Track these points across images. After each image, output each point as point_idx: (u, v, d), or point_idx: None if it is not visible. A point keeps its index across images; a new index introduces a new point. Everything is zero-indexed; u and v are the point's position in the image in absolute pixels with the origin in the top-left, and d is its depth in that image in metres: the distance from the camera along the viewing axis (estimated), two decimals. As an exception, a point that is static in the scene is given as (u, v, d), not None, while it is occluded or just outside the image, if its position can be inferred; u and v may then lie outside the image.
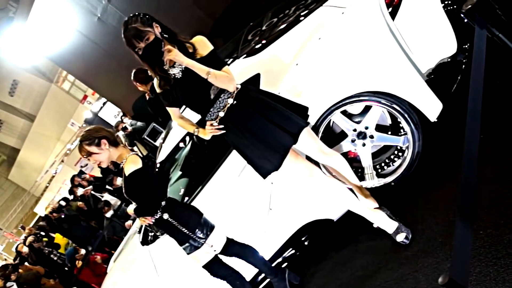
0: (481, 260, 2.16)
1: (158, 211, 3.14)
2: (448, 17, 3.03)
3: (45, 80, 25.03)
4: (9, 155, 29.69)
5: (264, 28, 3.90)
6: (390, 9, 2.98)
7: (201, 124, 2.98)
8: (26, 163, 28.59)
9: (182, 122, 3.06)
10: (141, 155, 3.22)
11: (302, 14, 3.36)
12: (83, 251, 7.78)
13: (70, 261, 8.32)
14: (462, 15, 2.88)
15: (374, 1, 2.97)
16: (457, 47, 3.05)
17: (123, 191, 3.18)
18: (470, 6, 2.20)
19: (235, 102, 2.79)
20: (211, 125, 2.83)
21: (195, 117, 3.13)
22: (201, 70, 2.71)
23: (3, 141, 28.67)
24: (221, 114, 2.80)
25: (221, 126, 2.81)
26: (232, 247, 3.34)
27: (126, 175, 3.06)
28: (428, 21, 3.05)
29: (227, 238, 3.35)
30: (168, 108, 3.01)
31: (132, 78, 5.29)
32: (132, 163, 3.06)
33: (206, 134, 2.88)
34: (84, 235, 8.52)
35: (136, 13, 2.75)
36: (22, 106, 26.23)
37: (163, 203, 3.17)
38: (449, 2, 3.15)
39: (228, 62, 3.62)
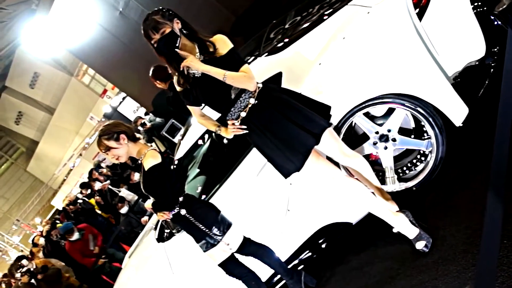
0: (504, 270, 2.12)
1: (176, 206, 3.16)
2: (478, 19, 2.98)
3: (65, 73, 25.38)
4: (28, 147, 30.25)
5: (287, 26, 3.89)
6: (417, 10, 2.95)
7: (221, 122, 2.98)
8: (45, 155, 29.04)
9: (203, 121, 3.08)
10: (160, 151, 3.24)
11: (326, 13, 3.34)
12: (75, 236, 7.78)
13: (62, 237, 8.30)
14: (492, 17, 2.84)
15: (401, 1, 2.94)
16: (486, 50, 3.00)
17: (141, 186, 3.21)
18: (503, 7, 2.16)
19: (256, 102, 2.78)
20: (233, 124, 2.83)
21: (215, 115, 3.14)
22: (217, 74, 2.72)
23: (23, 133, 29.18)
24: (243, 114, 2.80)
25: (244, 126, 2.82)
26: (249, 246, 3.35)
27: (146, 169, 3.09)
28: (457, 23, 3.00)
29: (244, 237, 3.35)
30: (189, 107, 3.03)
31: (150, 75, 5.32)
32: (151, 158, 3.09)
33: (229, 133, 2.88)
34: (99, 229, 8.59)
35: (161, 7, 2.79)
36: (42, 99, 26.64)
37: (181, 199, 3.20)
38: (479, 3, 3.10)
39: (250, 60, 3.62)
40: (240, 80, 2.74)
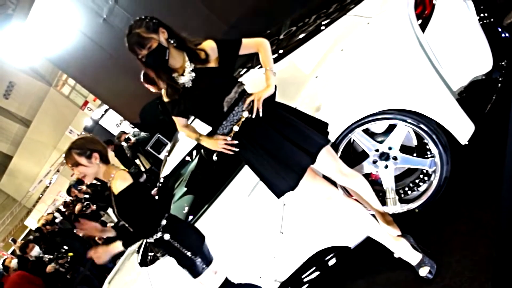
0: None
1: (158, 230, 3.10)
2: (484, 31, 3.02)
3: (43, 83, 25.26)
4: (0, 162, 29.91)
5: (282, 37, 3.91)
6: (420, 21, 2.97)
7: (212, 136, 2.97)
8: (19, 171, 28.77)
9: (187, 131, 3.08)
10: (135, 170, 3.18)
11: (323, 23, 3.36)
12: None
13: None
14: (500, 29, 2.87)
15: (403, 12, 2.97)
16: (493, 64, 3.03)
17: (115, 211, 3.13)
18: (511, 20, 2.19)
19: (250, 115, 2.79)
20: (225, 140, 2.83)
21: (206, 128, 3.13)
22: (273, 78, 2.84)
23: (-5, 147, 28.92)
24: (236, 128, 2.81)
25: (235, 142, 2.82)
26: None
27: (116, 193, 3.00)
28: (462, 35, 3.03)
29: (226, 279, 3.26)
30: (174, 117, 3.03)
31: (142, 79, 5.33)
32: (120, 179, 3.01)
33: (214, 147, 2.89)
34: (77, 251, 8.48)
35: (143, 17, 2.76)
36: (17, 110, 26.47)
37: (164, 222, 3.11)
38: (486, 14, 3.14)
39: (242, 72, 3.63)
40: (270, 57, 2.91)
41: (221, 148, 2.85)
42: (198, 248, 3.12)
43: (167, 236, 3.09)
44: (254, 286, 3.39)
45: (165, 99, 2.95)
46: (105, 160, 3.12)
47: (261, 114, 2.76)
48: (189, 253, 3.09)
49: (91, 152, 3.05)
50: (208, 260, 3.16)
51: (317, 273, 3.54)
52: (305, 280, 3.60)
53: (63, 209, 11.37)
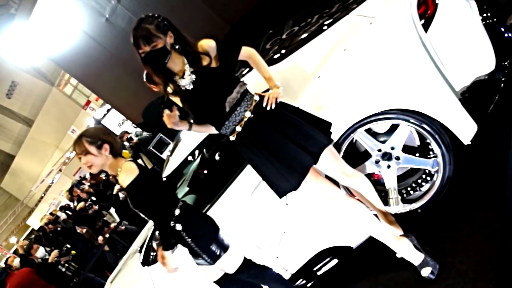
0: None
1: (172, 219, 3.04)
2: (487, 31, 3.01)
3: (46, 83, 25.29)
4: (3, 162, 29.94)
5: (284, 36, 3.90)
6: (423, 21, 2.97)
7: (216, 136, 2.97)
8: (21, 171, 28.81)
9: None
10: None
11: (326, 23, 3.36)
12: None
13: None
14: (503, 29, 2.87)
15: (406, 12, 2.97)
16: (496, 64, 3.03)
17: (130, 203, 3.13)
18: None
19: (252, 115, 2.79)
20: (170, 116, 2.92)
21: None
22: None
23: (-2, 146, 28.95)
24: (239, 128, 2.81)
25: (176, 112, 2.92)
26: (249, 269, 3.23)
27: (124, 187, 3.00)
28: (465, 35, 3.03)
29: (245, 258, 3.25)
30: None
31: (144, 78, 5.32)
32: (125, 174, 2.98)
33: (168, 123, 2.98)
34: (80, 251, 8.49)
35: (156, 15, 2.75)
36: (20, 110, 26.50)
37: (177, 211, 3.07)
38: (489, 14, 3.13)
39: (244, 72, 3.63)
40: (267, 69, 2.93)
41: (169, 123, 2.96)
42: (209, 242, 3.10)
43: (179, 227, 3.06)
44: (274, 272, 3.35)
45: (173, 99, 2.95)
46: (114, 153, 3.09)
47: (273, 107, 2.77)
48: (197, 249, 3.07)
49: (102, 142, 3.02)
50: (223, 248, 3.13)
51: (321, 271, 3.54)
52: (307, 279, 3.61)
53: (70, 203, 11.39)
